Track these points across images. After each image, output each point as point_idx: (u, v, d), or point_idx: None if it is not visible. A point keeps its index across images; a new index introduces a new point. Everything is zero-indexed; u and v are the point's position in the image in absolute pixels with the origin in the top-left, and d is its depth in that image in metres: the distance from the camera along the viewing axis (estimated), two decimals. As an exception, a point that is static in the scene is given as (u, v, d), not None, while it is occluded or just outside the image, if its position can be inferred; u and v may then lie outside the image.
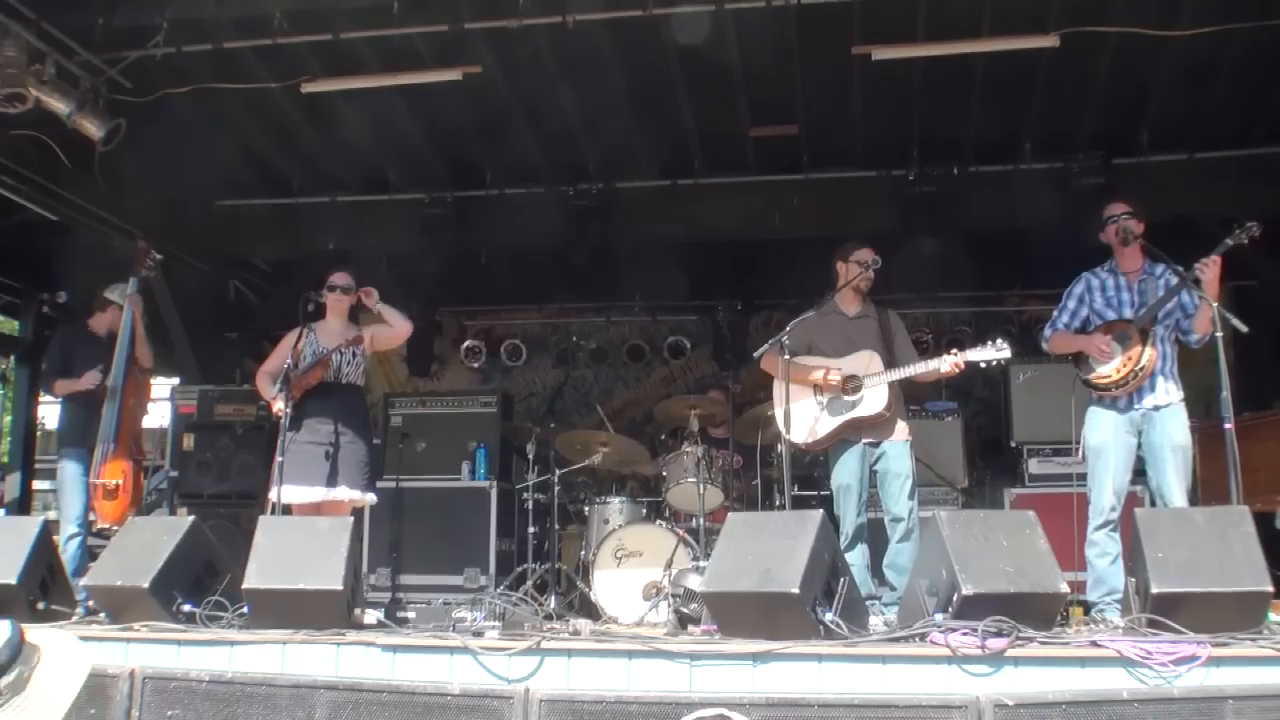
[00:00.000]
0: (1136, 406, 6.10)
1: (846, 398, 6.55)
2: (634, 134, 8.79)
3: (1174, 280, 6.08)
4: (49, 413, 11.20)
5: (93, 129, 7.21)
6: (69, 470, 7.23)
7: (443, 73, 7.62)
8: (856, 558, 6.47)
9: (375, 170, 9.58)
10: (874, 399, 6.51)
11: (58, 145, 7.69)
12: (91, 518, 7.17)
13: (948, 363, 6.34)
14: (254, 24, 7.25)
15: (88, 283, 7.93)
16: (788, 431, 6.31)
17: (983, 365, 6.37)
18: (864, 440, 6.61)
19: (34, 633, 2.74)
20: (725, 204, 9.48)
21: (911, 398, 7.62)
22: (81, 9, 7.14)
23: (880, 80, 7.76)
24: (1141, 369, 5.99)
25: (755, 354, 6.49)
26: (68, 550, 7.03)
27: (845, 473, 6.63)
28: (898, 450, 6.58)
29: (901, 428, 6.66)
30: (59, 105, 7.00)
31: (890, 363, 6.57)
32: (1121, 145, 8.62)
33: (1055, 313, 6.50)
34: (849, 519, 6.57)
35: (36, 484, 10.32)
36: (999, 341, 6.31)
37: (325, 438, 6.76)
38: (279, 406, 6.54)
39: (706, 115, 8.54)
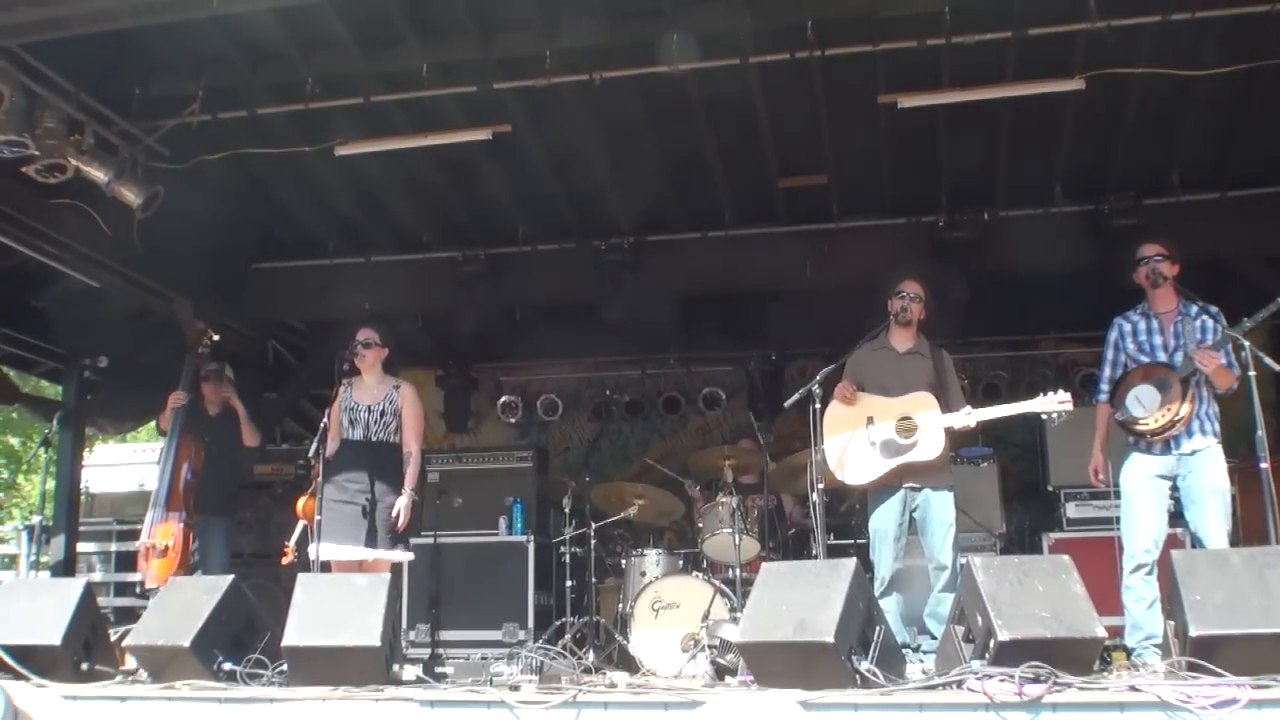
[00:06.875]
0: (1173, 451, 6.06)
1: (901, 440, 6.40)
2: (663, 187, 8.85)
3: (1209, 321, 6.09)
4: (92, 476, 11.31)
5: (131, 196, 7.35)
6: None
7: (473, 132, 7.70)
8: (891, 605, 6.34)
9: (409, 229, 9.68)
10: (930, 444, 6.36)
11: (97, 213, 7.83)
12: (140, 578, 7.28)
13: (1042, 405, 6.21)
14: (287, 90, 7.42)
15: (128, 347, 8.03)
16: (821, 478, 6.14)
17: (1044, 417, 6.30)
18: (906, 485, 6.46)
19: (18, 698, 2.72)
20: (756, 255, 9.46)
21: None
22: (119, 80, 7.33)
23: (907, 128, 7.78)
24: (1180, 419, 5.96)
25: (785, 404, 6.47)
26: None
27: (884, 517, 6.49)
28: (941, 497, 6.45)
29: (947, 474, 6.55)
30: (98, 174, 7.14)
31: (946, 406, 6.44)
32: (1152, 186, 8.57)
33: (1099, 371, 6.51)
34: (884, 564, 6.43)
35: (80, 546, 10.41)
36: (1061, 392, 6.21)
37: (355, 496, 6.83)
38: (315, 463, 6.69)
39: (735, 167, 8.59)
